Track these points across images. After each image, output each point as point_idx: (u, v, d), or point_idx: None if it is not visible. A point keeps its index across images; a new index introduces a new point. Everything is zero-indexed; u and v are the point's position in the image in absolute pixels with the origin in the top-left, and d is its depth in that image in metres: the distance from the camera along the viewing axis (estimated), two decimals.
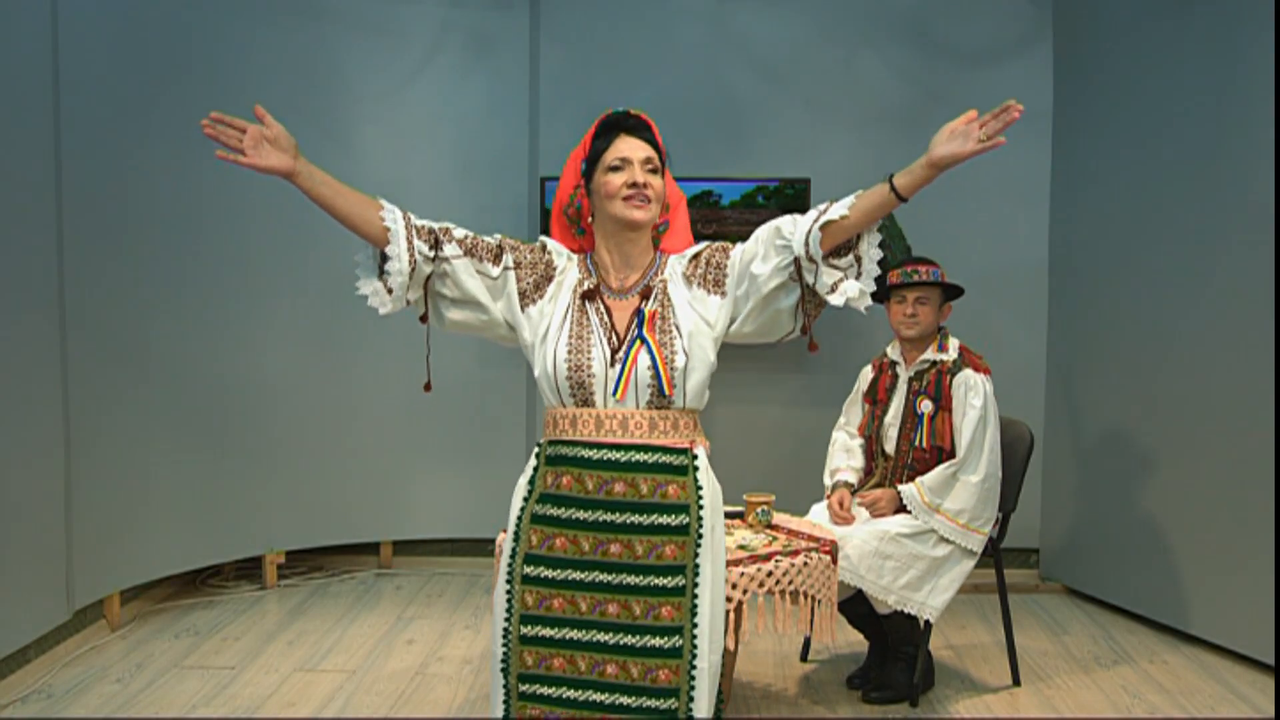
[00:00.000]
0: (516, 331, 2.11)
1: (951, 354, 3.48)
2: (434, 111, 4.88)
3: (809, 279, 2.01)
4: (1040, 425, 4.63)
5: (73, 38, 3.80)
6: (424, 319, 2.13)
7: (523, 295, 2.10)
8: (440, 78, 4.87)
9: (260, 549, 4.71)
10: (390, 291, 2.06)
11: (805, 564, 2.93)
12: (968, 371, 3.44)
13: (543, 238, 2.18)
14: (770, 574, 2.86)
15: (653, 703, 1.99)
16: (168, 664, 3.77)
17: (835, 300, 2.00)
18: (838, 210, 1.97)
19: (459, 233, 2.11)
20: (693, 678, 2.00)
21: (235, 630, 4.15)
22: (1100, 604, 4.52)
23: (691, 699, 2.00)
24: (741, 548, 2.97)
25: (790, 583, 2.90)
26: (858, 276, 2.01)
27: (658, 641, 2.00)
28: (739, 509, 3.31)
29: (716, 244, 2.15)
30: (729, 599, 2.77)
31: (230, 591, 4.65)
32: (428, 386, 2.26)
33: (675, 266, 2.16)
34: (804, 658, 3.86)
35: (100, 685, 3.56)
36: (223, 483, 4.54)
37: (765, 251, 2.04)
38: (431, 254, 2.06)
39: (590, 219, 2.14)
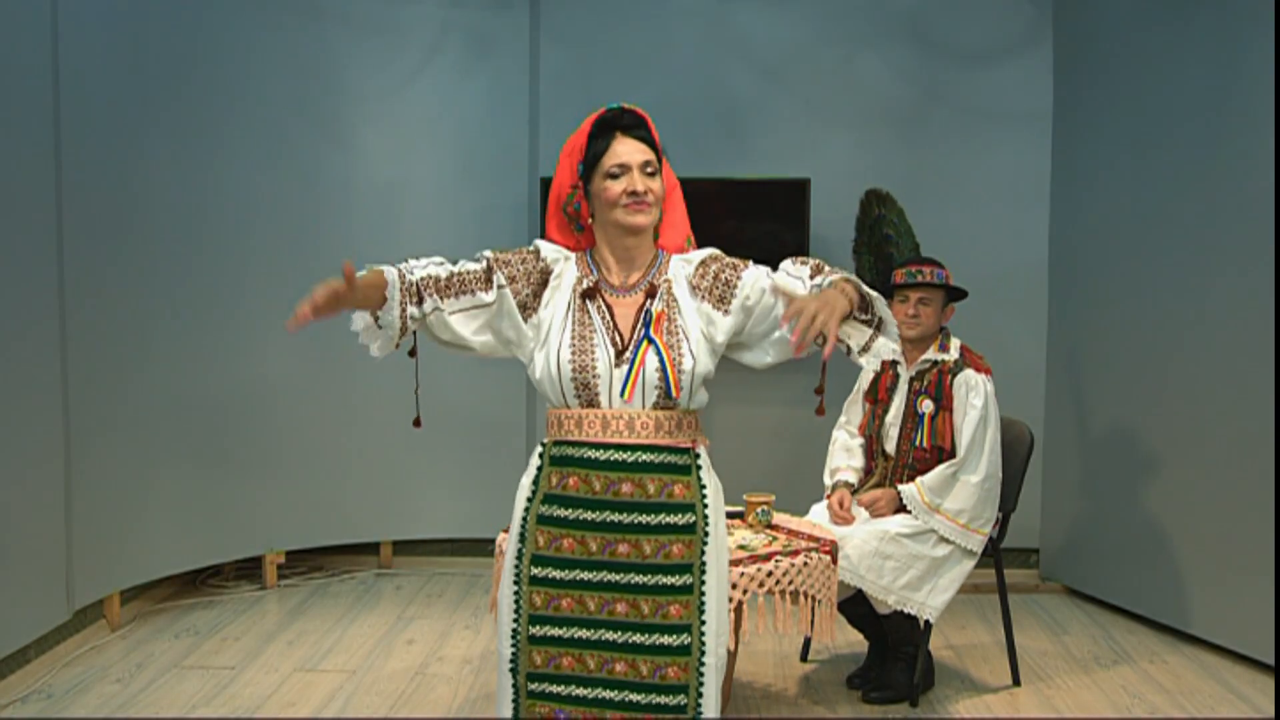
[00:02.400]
0: (519, 345, 2.10)
1: (953, 354, 3.48)
2: (434, 111, 4.88)
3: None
4: (1040, 425, 4.63)
5: (73, 38, 3.80)
6: (413, 353, 2.10)
7: (523, 308, 2.07)
8: (440, 78, 4.87)
9: (260, 549, 4.70)
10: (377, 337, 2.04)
11: (805, 564, 2.93)
12: (969, 371, 3.44)
13: (537, 241, 2.14)
14: (770, 574, 2.86)
15: (662, 699, 2.01)
16: (168, 664, 3.77)
17: (867, 362, 2.04)
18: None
19: (442, 272, 2.05)
20: (701, 675, 2.03)
21: (235, 630, 4.15)
22: (1100, 604, 4.52)
23: (700, 694, 2.03)
24: (741, 548, 2.97)
25: (790, 583, 2.90)
26: (876, 335, 2.03)
27: (667, 640, 2.02)
28: (739, 509, 3.31)
29: (726, 259, 2.12)
30: (729, 599, 2.77)
31: (230, 591, 4.65)
32: (417, 422, 2.21)
33: (680, 268, 2.12)
34: (804, 658, 3.86)
35: (100, 685, 3.56)
36: (223, 483, 4.54)
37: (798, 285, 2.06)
38: (418, 313, 2.03)
39: (590, 219, 2.12)
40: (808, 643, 3.90)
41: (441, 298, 2.04)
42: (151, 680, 3.62)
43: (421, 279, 2.03)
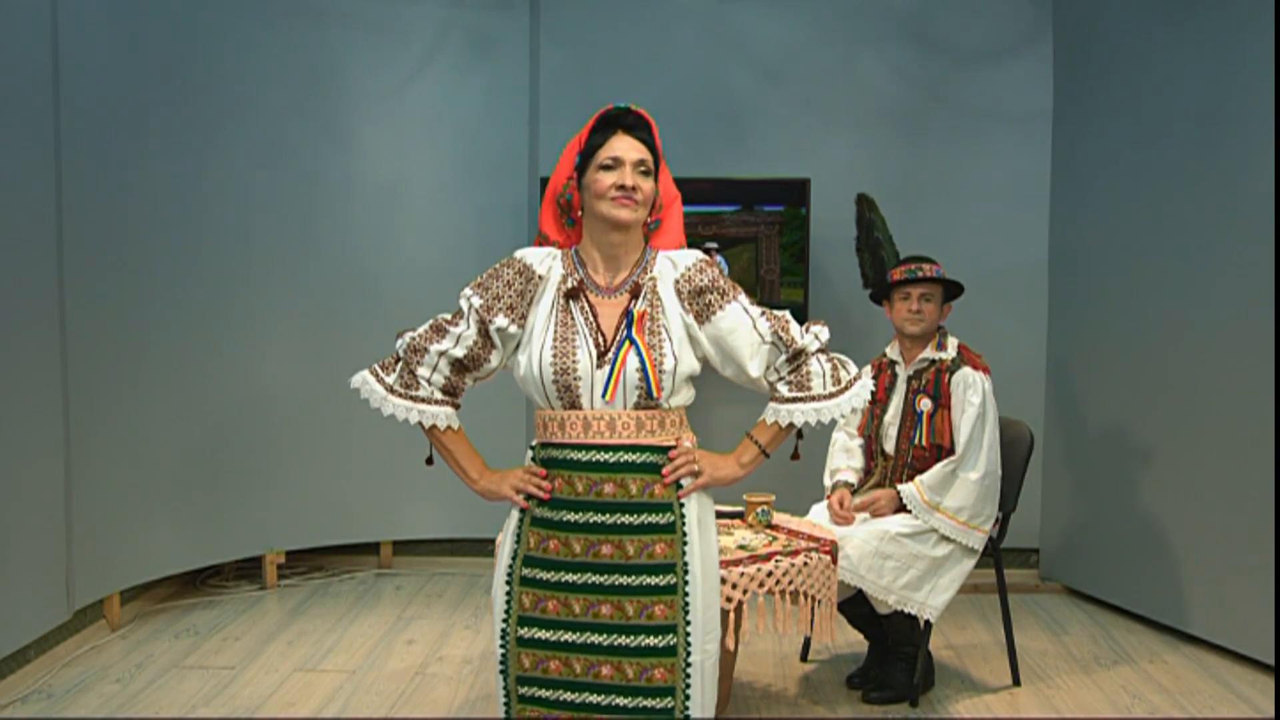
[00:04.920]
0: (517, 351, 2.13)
1: (950, 352, 3.49)
2: (434, 111, 4.88)
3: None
4: (1040, 425, 4.63)
5: (73, 38, 3.80)
6: (430, 461, 2.30)
7: (516, 321, 2.09)
8: (440, 78, 4.87)
9: (260, 549, 4.70)
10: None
11: (805, 564, 2.94)
12: (966, 369, 3.44)
13: (519, 253, 2.13)
14: (770, 574, 2.86)
15: (649, 702, 2.01)
16: (168, 664, 3.77)
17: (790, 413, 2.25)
18: (782, 417, 2.21)
19: (458, 352, 2.12)
20: (688, 675, 2.02)
21: (235, 630, 4.15)
22: (1100, 604, 4.52)
23: (688, 697, 2.02)
24: (741, 548, 2.97)
25: (790, 583, 2.90)
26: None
27: (652, 640, 2.01)
28: (739, 509, 3.31)
29: (717, 278, 2.09)
30: (729, 599, 2.77)
31: (230, 591, 4.65)
32: (429, 460, 2.32)
33: (667, 268, 2.11)
34: (804, 658, 3.86)
35: (100, 685, 3.56)
36: (223, 482, 4.54)
37: (756, 360, 2.11)
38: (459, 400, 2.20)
39: (580, 212, 2.12)
40: (808, 643, 3.90)
41: (468, 381, 2.19)
42: (151, 680, 3.62)
43: (449, 388, 2.20)
